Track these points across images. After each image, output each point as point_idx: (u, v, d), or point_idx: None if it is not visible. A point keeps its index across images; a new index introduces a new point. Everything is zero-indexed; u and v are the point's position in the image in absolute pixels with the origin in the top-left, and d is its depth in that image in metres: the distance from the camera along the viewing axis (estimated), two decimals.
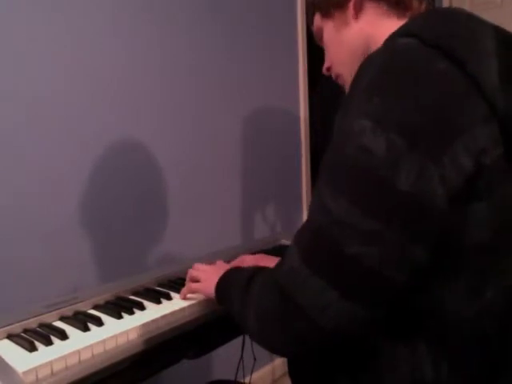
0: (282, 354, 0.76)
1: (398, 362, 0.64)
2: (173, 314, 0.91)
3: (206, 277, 0.94)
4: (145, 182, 1.64)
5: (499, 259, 0.61)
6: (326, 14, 0.84)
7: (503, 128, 0.59)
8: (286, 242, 1.43)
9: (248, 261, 1.23)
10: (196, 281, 0.97)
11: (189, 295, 0.99)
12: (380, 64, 0.62)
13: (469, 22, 0.65)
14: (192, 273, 0.99)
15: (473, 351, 0.62)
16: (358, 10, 0.80)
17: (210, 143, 1.87)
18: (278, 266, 0.67)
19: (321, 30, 0.87)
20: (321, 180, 0.64)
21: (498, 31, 0.65)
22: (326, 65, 0.91)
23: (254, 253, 1.26)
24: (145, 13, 1.61)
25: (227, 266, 0.96)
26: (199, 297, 0.97)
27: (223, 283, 0.86)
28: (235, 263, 1.24)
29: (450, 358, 0.62)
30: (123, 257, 1.57)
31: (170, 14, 1.70)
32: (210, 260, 1.08)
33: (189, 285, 0.97)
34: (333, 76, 0.90)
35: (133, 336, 0.84)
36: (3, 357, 0.76)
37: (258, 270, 0.77)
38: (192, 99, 1.80)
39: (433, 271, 0.60)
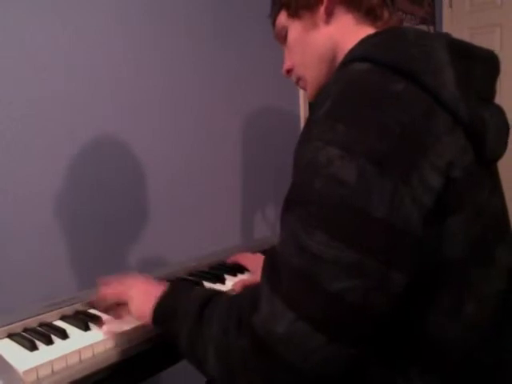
0: None
1: None
2: None
3: (137, 298, 0.80)
4: (144, 181, 1.64)
5: (474, 270, 0.61)
6: (294, 14, 0.81)
7: (470, 134, 0.59)
8: None
9: (248, 258, 1.23)
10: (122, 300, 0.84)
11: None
12: (338, 92, 0.61)
13: (418, 38, 0.65)
14: (119, 288, 0.84)
15: (465, 374, 0.62)
16: (329, 15, 0.77)
17: (209, 143, 1.87)
18: (248, 307, 0.61)
19: (284, 29, 0.84)
20: (289, 215, 0.61)
21: (450, 42, 0.65)
22: (286, 66, 0.87)
23: (253, 253, 1.27)
24: (144, 12, 1.61)
25: (156, 285, 0.81)
26: None
27: (164, 308, 0.75)
28: (234, 259, 1.24)
29: (443, 381, 0.61)
30: (123, 257, 1.57)
31: (169, 13, 1.70)
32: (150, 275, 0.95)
33: (116, 315, 0.84)
34: (293, 79, 0.88)
35: (133, 335, 0.84)
36: (4, 356, 0.76)
37: (208, 299, 0.69)
38: (192, 99, 1.80)
39: (411, 294, 0.59)
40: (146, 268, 1.61)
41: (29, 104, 1.32)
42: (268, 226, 2.18)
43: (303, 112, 2.35)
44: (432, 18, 3.16)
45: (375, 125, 0.57)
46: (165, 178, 1.69)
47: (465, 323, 0.60)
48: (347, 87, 0.61)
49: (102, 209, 1.50)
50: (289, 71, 0.87)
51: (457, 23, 3.08)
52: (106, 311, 0.90)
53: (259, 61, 2.09)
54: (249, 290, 0.66)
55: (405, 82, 0.59)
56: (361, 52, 0.67)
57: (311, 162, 0.59)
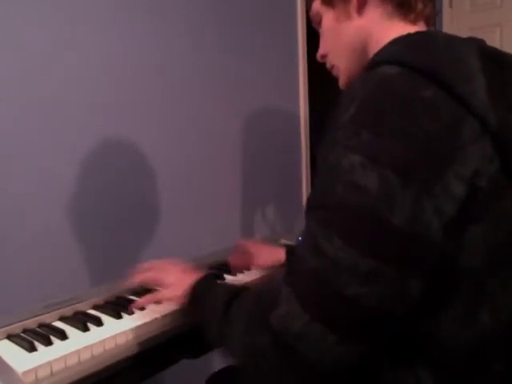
0: None
1: None
2: (173, 313, 0.90)
3: (175, 283, 0.88)
4: (144, 182, 1.64)
5: (493, 279, 0.60)
6: (328, 2, 0.81)
7: (497, 142, 0.58)
8: (286, 241, 1.43)
9: (249, 246, 1.24)
10: (160, 285, 0.92)
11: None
12: (365, 96, 0.61)
13: (450, 42, 0.65)
14: (159, 273, 0.92)
15: (477, 381, 0.61)
16: (362, 6, 0.77)
17: (209, 143, 1.87)
18: (269, 305, 0.63)
19: (319, 16, 0.84)
20: (310, 217, 0.62)
21: (481, 48, 0.64)
22: (320, 51, 0.87)
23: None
24: (145, 12, 1.61)
25: (193, 272, 0.88)
26: None
27: (194, 299, 0.82)
28: (235, 247, 1.26)
29: None
30: (123, 257, 1.57)
31: (169, 13, 1.70)
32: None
33: (153, 296, 0.90)
34: (327, 65, 0.88)
35: (132, 336, 0.84)
36: (3, 357, 0.76)
37: (234, 295, 0.73)
38: (192, 99, 1.80)
39: (427, 298, 0.59)
40: None
41: (29, 104, 1.32)
42: (268, 226, 2.18)
43: (303, 112, 2.35)
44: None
45: (400, 133, 0.57)
46: (165, 178, 1.69)
47: (479, 331, 0.60)
48: (374, 92, 0.60)
49: (101, 210, 1.50)
50: (323, 57, 0.88)
51: (457, 23, 3.07)
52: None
53: (259, 61, 2.09)
54: (272, 286, 0.68)
55: (434, 89, 0.58)
56: (390, 54, 0.66)
57: (334, 167, 0.59)
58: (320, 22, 0.85)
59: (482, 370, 0.61)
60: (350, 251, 0.56)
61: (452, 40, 0.65)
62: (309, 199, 0.64)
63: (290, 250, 1.13)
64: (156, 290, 0.97)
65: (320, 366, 0.58)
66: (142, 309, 0.94)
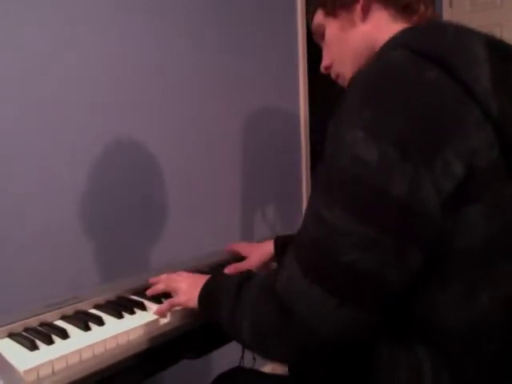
0: (281, 363, 0.76)
1: (398, 371, 0.64)
2: (173, 313, 0.90)
3: (187, 288, 0.90)
4: (144, 182, 1.64)
5: (493, 262, 0.61)
6: (331, 13, 0.82)
7: (498, 132, 0.59)
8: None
9: (243, 245, 1.27)
10: (173, 293, 0.94)
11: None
12: (371, 77, 0.63)
13: (458, 31, 0.66)
14: (170, 284, 0.95)
15: (473, 360, 0.62)
16: (366, 13, 0.79)
17: (209, 143, 1.87)
18: (275, 275, 0.67)
19: (322, 28, 0.86)
20: (315, 191, 0.65)
21: (489, 39, 0.65)
22: (324, 63, 0.89)
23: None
24: (145, 12, 1.61)
25: (202, 276, 0.92)
26: None
27: (207, 294, 0.84)
28: (229, 247, 1.28)
29: (450, 367, 0.62)
30: (123, 257, 1.57)
31: (169, 13, 1.70)
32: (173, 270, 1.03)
33: (170, 301, 0.91)
34: (332, 75, 0.89)
35: (133, 336, 0.84)
36: (4, 355, 0.76)
37: (246, 278, 0.76)
38: (192, 99, 1.80)
39: (424, 276, 0.61)
40: (146, 268, 1.61)
41: (29, 104, 1.32)
42: (268, 226, 2.18)
43: (303, 112, 2.35)
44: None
45: (401, 109, 0.59)
46: (165, 178, 1.69)
47: (477, 312, 0.61)
48: (379, 72, 0.63)
49: (101, 209, 1.50)
50: (327, 68, 0.89)
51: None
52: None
53: (259, 61, 2.10)
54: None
55: (438, 70, 0.60)
56: (397, 41, 0.68)
57: (338, 143, 0.62)
58: (323, 34, 0.86)
59: (478, 349, 0.62)
60: (349, 219, 0.58)
61: (460, 29, 0.67)
62: (316, 172, 0.67)
63: (279, 239, 1.18)
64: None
65: (320, 332, 0.60)
66: (144, 308, 0.94)
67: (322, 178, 0.64)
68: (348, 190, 0.60)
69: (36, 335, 0.83)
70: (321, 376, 0.75)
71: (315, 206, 0.63)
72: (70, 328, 0.86)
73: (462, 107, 0.59)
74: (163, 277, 0.99)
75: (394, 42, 0.68)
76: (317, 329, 0.60)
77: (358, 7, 0.79)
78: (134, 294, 1.03)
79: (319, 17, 0.85)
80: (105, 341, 0.80)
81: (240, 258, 1.24)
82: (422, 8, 0.79)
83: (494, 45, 0.65)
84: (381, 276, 0.58)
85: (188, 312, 0.92)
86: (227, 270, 1.09)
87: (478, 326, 0.62)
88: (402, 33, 0.71)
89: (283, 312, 0.63)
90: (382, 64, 0.64)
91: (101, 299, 0.99)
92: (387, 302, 0.61)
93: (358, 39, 0.80)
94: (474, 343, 0.62)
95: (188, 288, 0.90)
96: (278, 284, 0.65)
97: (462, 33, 0.66)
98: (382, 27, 0.78)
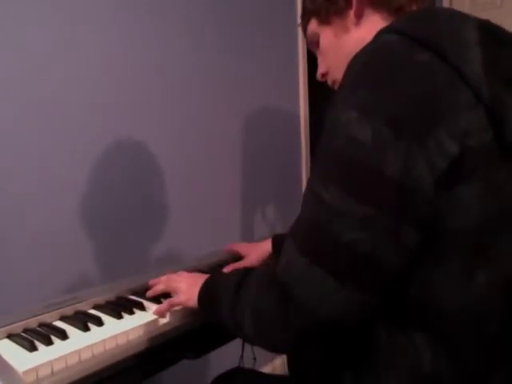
0: (282, 352, 0.76)
1: (397, 356, 0.65)
2: (173, 313, 0.91)
3: (187, 288, 0.90)
4: (144, 182, 1.64)
5: (489, 244, 0.61)
6: (324, 21, 0.83)
7: (490, 114, 0.60)
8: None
9: (242, 245, 1.27)
10: (173, 293, 0.94)
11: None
12: (364, 60, 0.64)
13: (450, 16, 0.67)
14: (170, 284, 0.95)
15: (471, 342, 0.62)
16: (359, 18, 0.80)
17: (209, 143, 1.87)
18: (274, 266, 0.68)
19: (316, 36, 0.87)
20: (312, 172, 0.66)
21: (482, 24, 0.66)
22: (320, 70, 0.90)
23: None
24: (145, 12, 1.61)
25: (201, 275, 0.92)
26: None
27: (207, 292, 0.84)
28: (228, 247, 1.28)
29: (449, 350, 0.62)
30: (123, 257, 1.57)
31: (169, 13, 1.70)
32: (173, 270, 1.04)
33: (170, 300, 0.91)
34: (329, 82, 0.90)
35: (133, 336, 0.84)
36: (3, 356, 0.76)
37: (245, 274, 0.77)
38: (192, 99, 1.80)
39: (420, 255, 0.61)
40: (146, 268, 1.61)
41: (29, 104, 1.32)
42: (268, 226, 2.18)
43: (303, 112, 2.35)
44: None
45: (395, 89, 0.60)
46: (165, 178, 1.69)
47: (475, 293, 0.61)
48: (372, 55, 0.64)
49: (101, 209, 1.50)
50: (324, 75, 0.90)
51: None
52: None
53: (259, 61, 2.10)
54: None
55: (430, 54, 0.61)
56: (393, 25, 0.69)
57: (333, 124, 0.63)
58: (318, 42, 0.87)
59: (476, 331, 0.62)
60: (346, 199, 0.59)
61: (453, 14, 0.68)
62: (314, 159, 0.68)
63: (277, 238, 1.19)
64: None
65: (320, 313, 0.60)
66: (143, 309, 0.94)
67: (318, 159, 0.65)
68: (343, 169, 0.61)
69: (35, 336, 0.83)
70: (320, 367, 0.75)
71: (312, 186, 0.64)
72: (69, 328, 0.86)
73: (454, 89, 0.60)
74: (163, 278, 0.99)
75: (388, 28, 0.69)
76: (316, 310, 0.61)
77: (351, 13, 0.80)
78: (134, 295, 1.03)
79: (313, 26, 0.86)
80: (104, 341, 0.80)
81: (239, 257, 1.24)
82: (414, 8, 0.79)
83: (487, 29, 0.65)
84: (378, 256, 0.59)
85: (187, 312, 0.91)
86: (226, 271, 1.09)
87: (475, 306, 0.62)
88: (398, 19, 0.71)
89: (283, 297, 0.63)
90: (375, 46, 0.65)
91: (100, 299, 0.99)
92: (386, 282, 0.61)
93: (353, 44, 0.80)
94: (471, 324, 0.62)
95: (188, 288, 0.90)
96: (277, 268, 0.66)
97: (454, 17, 0.67)
98: (376, 31, 0.78)
